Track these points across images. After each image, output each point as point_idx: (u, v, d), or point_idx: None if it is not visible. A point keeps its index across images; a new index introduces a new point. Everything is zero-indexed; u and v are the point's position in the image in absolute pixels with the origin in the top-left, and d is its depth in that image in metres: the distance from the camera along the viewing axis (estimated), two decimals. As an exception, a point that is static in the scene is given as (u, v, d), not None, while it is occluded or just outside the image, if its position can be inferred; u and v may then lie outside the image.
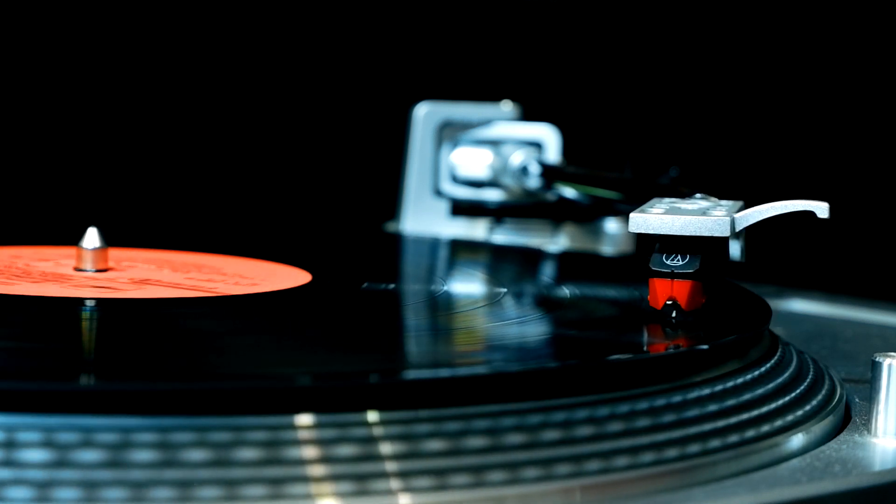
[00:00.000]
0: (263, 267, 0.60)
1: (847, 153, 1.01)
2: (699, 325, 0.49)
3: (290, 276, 0.58)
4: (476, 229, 0.78)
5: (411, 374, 0.42)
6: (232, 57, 1.04)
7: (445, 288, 0.60)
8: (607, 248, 0.76)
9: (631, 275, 0.60)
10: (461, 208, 0.78)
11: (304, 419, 0.38)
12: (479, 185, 0.77)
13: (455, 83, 1.01)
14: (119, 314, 0.50)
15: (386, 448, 0.38)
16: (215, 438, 0.37)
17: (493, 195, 0.77)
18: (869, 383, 0.46)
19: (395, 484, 0.38)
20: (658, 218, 0.50)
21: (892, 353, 0.46)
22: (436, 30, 1.05)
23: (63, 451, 0.37)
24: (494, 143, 0.77)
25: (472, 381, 0.41)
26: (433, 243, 0.74)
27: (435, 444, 0.39)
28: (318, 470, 0.37)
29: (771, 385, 0.47)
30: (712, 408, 0.44)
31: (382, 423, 0.39)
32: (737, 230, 0.50)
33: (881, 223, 1.00)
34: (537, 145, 0.76)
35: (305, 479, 0.37)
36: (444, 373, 0.42)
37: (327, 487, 0.37)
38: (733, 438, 0.43)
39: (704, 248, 0.50)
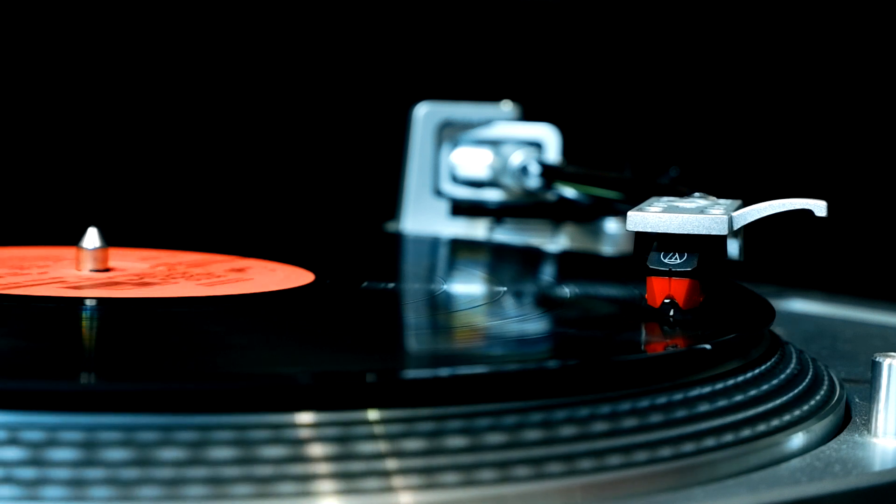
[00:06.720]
0: (264, 266, 0.60)
1: (847, 153, 1.01)
2: (700, 323, 0.49)
3: (291, 276, 0.58)
4: (476, 229, 0.78)
5: (411, 373, 0.42)
6: (232, 57, 1.04)
7: (445, 287, 0.60)
8: (607, 248, 0.76)
9: (630, 274, 0.60)
10: (461, 208, 0.78)
11: (305, 417, 0.38)
12: (479, 185, 0.77)
13: (455, 83, 1.01)
14: (119, 314, 0.50)
15: (385, 447, 0.38)
16: (217, 438, 0.37)
17: (493, 195, 0.77)
18: (869, 383, 0.46)
19: (395, 483, 0.38)
20: (656, 216, 0.50)
21: (892, 353, 0.46)
22: (436, 30, 1.05)
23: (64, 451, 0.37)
24: (494, 143, 0.77)
25: (471, 380, 0.41)
26: (433, 243, 0.74)
27: (433, 443, 0.39)
28: (318, 469, 0.37)
29: (771, 385, 0.47)
30: (712, 407, 0.44)
31: (382, 421, 0.39)
32: (734, 228, 0.50)
33: (881, 223, 1.00)
34: (537, 145, 0.76)
35: (305, 479, 0.37)
36: (443, 372, 0.42)
37: (328, 486, 0.37)
38: (733, 438, 0.43)
39: (702, 247, 0.50)
